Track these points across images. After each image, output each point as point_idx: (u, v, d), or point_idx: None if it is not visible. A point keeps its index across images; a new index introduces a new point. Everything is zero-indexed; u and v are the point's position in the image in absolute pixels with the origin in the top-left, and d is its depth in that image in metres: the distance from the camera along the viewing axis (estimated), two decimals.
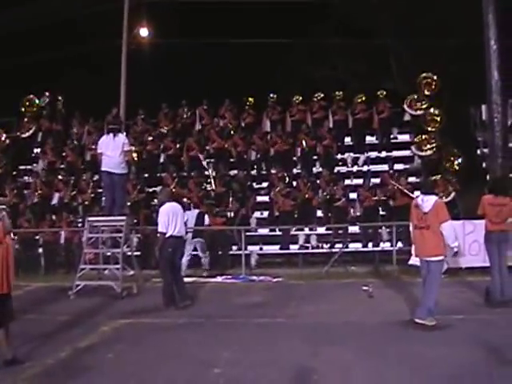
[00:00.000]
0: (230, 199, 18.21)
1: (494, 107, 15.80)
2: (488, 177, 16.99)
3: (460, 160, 18.24)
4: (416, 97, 20.29)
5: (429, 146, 19.26)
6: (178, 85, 29.72)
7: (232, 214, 17.92)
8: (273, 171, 19.82)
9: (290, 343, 8.75)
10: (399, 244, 15.97)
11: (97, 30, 26.21)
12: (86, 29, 27.75)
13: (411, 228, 9.89)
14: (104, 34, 24.76)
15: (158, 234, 11.87)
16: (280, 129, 20.83)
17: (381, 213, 17.88)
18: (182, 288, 12.09)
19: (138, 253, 16.66)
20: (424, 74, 20.41)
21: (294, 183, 19.00)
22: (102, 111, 21.76)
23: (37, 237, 18.51)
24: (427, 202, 9.43)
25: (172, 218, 11.78)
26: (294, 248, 17.72)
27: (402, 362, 7.66)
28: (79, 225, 17.97)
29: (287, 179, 19.03)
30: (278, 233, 18.18)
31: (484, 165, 18.87)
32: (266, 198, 19.40)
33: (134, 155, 19.81)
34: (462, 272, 13.82)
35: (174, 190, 17.76)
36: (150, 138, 21.13)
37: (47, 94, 23.35)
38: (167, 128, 21.91)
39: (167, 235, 11.69)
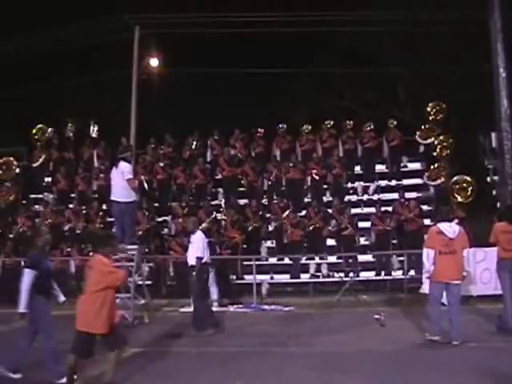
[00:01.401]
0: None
1: (504, 135, 15.89)
2: (498, 204, 16.96)
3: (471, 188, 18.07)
4: (427, 126, 20.21)
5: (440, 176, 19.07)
6: (187, 113, 29.94)
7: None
8: (275, 201, 19.62)
9: (303, 372, 8.74)
10: (411, 272, 15.91)
11: (107, 59, 26.46)
12: (97, 58, 28.05)
13: (428, 252, 10.05)
14: (114, 64, 25.01)
15: (192, 262, 12.04)
16: (294, 158, 20.72)
17: (392, 241, 17.75)
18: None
19: (149, 282, 16.65)
20: (432, 103, 20.35)
21: (304, 212, 18.95)
22: (113, 140, 21.84)
23: None
24: (455, 227, 10.05)
25: (204, 246, 12.13)
26: (304, 277, 17.66)
27: None
28: (90, 253, 17.94)
29: (291, 208, 18.81)
30: (288, 262, 18.11)
31: (494, 192, 18.83)
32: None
33: (144, 183, 19.87)
34: (473, 300, 13.75)
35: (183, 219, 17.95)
36: (161, 164, 21.08)
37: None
38: (167, 157, 21.79)
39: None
